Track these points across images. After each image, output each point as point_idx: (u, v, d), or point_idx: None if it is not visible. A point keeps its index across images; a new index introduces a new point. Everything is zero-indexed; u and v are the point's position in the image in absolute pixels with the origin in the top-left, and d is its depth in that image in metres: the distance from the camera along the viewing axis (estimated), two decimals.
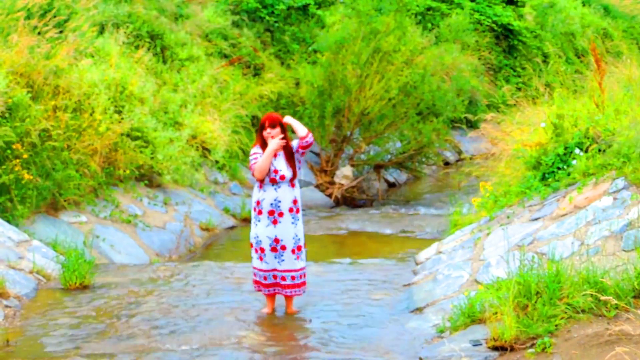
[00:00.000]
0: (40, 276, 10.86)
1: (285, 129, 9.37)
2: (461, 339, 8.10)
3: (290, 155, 9.35)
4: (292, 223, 9.30)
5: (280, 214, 9.27)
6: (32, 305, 9.94)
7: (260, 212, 9.31)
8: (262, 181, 9.27)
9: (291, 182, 9.33)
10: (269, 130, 9.25)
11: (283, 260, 9.31)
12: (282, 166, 9.29)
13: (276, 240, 9.27)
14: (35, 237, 11.90)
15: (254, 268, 9.44)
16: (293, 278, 9.37)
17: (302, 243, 9.41)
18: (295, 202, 9.33)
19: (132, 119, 15.03)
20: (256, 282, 9.46)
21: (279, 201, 9.26)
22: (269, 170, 9.22)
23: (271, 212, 9.27)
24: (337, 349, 8.35)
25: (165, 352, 8.22)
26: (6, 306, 9.57)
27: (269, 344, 8.49)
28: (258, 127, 9.43)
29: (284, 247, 9.28)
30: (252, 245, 9.41)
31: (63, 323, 9.23)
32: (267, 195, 9.27)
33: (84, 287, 10.66)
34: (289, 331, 9.02)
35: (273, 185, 9.26)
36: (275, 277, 9.36)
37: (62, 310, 9.74)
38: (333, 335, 8.79)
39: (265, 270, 9.35)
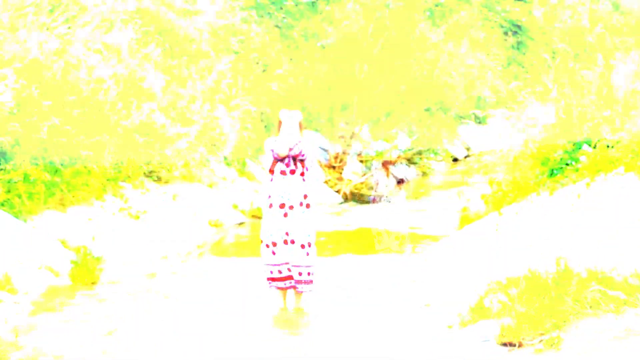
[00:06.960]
0: (49, 272, 10.88)
1: (300, 126, 9.33)
2: (470, 334, 8.09)
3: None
4: (303, 217, 9.29)
5: (291, 207, 9.24)
6: (41, 301, 9.96)
7: (270, 206, 9.30)
8: (272, 173, 9.27)
9: (302, 176, 9.30)
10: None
11: (294, 254, 9.28)
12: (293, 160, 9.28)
13: (287, 234, 9.26)
14: (44, 234, 11.91)
15: (267, 264, 9.37)
16: (301, 274, 9.32)
17: (312, 240, 9.35)
18: (305, 196, 9.30)
19: (141, 114, 15.05)
20: (269, 278, 9.40)
21: (289, 193, 9.24)
22: (282, 162, 9.22)
23: (282, 205, 9.25)
24: (345, 344, 8.34)
25: (175, 348, 8.23)
26: (15, 302, 9.58)
27: (278, 338, 8.50)
28: (278, 124, 9.37)
29: (293, 241, 9.26)
30: (262, 242, 9.38)
31: (71, 319, 9.25)
32: (278, 188, 9.26)
33: (92, 283, 10.67)
34: (299, 326, 9.02)
35: (284, 177, 9.26)
36: (289, 270, 9.30)
37: (71, 306, 9.75)
38: (342, 330, 8.79)
39: (279, 264, 9.30)
